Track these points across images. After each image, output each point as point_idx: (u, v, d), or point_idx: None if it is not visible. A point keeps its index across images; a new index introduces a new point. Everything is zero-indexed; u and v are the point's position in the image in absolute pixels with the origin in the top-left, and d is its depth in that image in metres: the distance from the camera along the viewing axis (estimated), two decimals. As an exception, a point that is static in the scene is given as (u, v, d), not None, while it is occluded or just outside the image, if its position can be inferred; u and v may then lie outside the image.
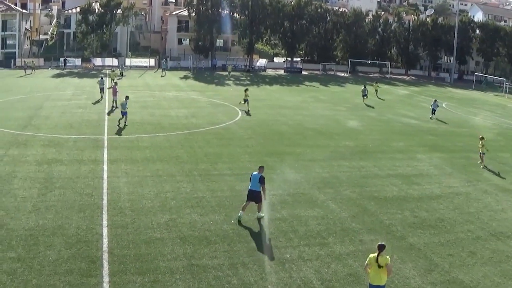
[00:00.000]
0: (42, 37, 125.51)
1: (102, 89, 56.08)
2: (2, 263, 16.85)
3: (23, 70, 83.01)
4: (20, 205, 22.21)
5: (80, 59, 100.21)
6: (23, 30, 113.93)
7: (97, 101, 53.63)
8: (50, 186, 25.03)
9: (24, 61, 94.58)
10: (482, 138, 34.38)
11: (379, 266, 14.32)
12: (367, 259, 14.72)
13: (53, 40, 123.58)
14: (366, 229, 21.62)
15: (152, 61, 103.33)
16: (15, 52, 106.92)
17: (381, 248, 14.44)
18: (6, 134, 36.29)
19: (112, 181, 26.15)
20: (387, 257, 14.57)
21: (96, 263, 17.16)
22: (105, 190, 24.67)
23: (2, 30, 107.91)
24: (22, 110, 45.89)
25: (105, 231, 19.79)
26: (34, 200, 22.79)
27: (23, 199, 22.86)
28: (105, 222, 20.65)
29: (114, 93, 49.52)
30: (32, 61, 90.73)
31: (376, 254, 14.45)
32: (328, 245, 19.53)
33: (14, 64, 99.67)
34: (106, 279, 16.25)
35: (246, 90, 52.05)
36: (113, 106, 48.72)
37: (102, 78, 57.05)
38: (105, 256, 17.67)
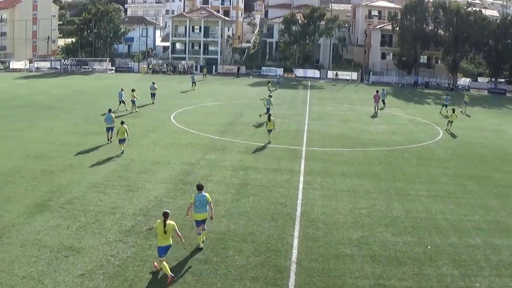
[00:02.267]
0: (244, 45, 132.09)
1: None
2: (190, 264, 18.15)
3: (203, 75, 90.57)
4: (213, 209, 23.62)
5: (282, 69, 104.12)
6: (225, 37, 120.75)
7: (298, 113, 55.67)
8: (245, 193, 26.44)
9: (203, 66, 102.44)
10: (453, 110, 48.38)
11: (165, 232, 16.85)
12: (154, 224, 17.23)
13: (255, 49, 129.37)
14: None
15: (354, 75, 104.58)
16: (217, 59, 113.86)
17: (166, 215, 16.90)
18: (205, 139, 38.86)
19: (307, 193, 26.92)
20: (172, 223, 17.06)
21: (284, 273, 17.78)
22: (299, 201, 25.49)
23: (204, 36, 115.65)
24: (223, 116, 48.89)
25: (295, 242, 20.43)
26: (227, 205, 24.24)
27: (216, 203, 24.14)
28: (296, 233, 21.32)
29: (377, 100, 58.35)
30: (205, 69, 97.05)
31: (162, 221, 16.89)
32: (519, 277, 18.69)
33: (216, 70, 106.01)
34: (291, 290, 16.88)
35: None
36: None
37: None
38: (293, 267, 18.25)
